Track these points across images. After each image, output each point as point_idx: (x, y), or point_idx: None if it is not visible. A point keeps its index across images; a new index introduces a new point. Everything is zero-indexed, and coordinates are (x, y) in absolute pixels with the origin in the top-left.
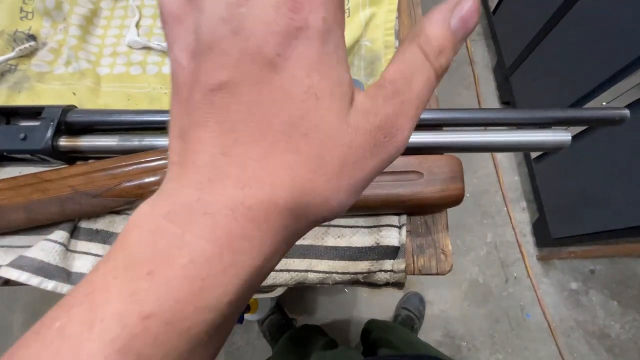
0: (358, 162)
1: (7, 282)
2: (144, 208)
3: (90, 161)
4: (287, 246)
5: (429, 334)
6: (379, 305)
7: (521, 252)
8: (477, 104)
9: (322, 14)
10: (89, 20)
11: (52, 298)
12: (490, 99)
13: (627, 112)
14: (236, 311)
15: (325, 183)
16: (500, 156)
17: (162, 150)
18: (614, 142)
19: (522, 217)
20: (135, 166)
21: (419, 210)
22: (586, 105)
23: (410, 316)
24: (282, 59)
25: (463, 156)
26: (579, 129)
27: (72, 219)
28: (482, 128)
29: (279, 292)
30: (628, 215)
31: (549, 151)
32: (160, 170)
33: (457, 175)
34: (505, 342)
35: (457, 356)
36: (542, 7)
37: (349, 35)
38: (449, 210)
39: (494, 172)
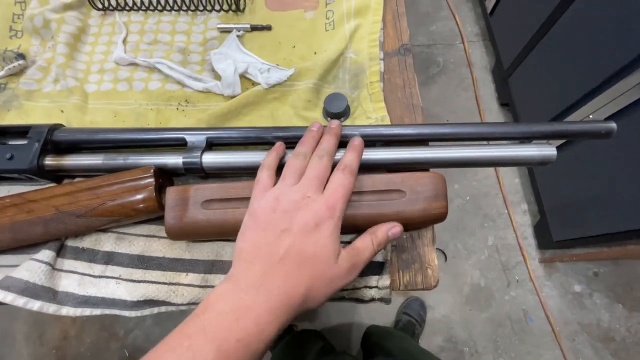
0: (338, 281)
1: None
2: (227, 286)
3: (75, 180)
4: (292, 319)
5: (430, 339)
6: (379, 311)
7: (523, 255)
8: (475, 105)
9: (338, 213)
10: (77, 38)
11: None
12: (489, 100)
13: (613, 125)
14: (273, 341)
15: (320, 290)
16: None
17: (145, 169)
18: (613, 144)
19: (523, 219)
20: (118, 185)
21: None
22: (585, 106)
23: (411, 321)
24: (317, 233)
25: None
26: None
27: (58, 238)
28: (468, 143)
29: None
30: (631, 218)
31: (534, 166)
32: (143, 189)
33: (440, 193)
34: (509, 346)
35: None
36: (539, 8)
37: (334, 48)
38: (450, 213)
39: (494, 174)
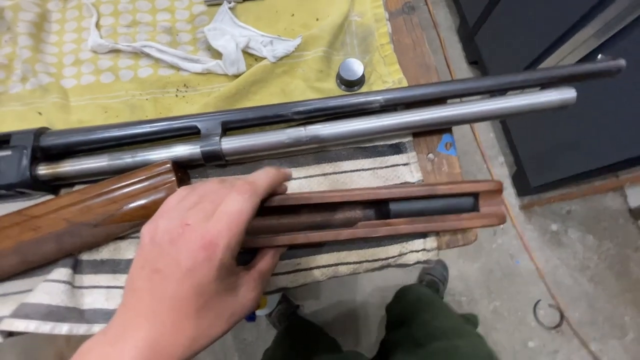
0: (242, 312)
1: (11, 334)
2: (97, 337)
3: (80, 187)
4: None
5: None
6: (379, 275)
7: (505, 204)
8: (445, 67)
9: (220, 253)
10: (39, 27)
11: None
12: (458, 60)
13: (622, 61)
14: None
15: (213, 329)
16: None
17: (161, 164)
18: (580, 88)
19: (501, 171)
20: (135, 186)
21: None
22: (549, 58)
23: (434, 280)
24: (192, 277)
25: None
26: None
27: (71, 254)
28: (488, 96)
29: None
30: (596, 157)
31: (556, 110)
32: (163, 185)
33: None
34: (500, 289)
35: (459, 311)
36: None
37: (337, 12)
38: None
39: (471, 132)
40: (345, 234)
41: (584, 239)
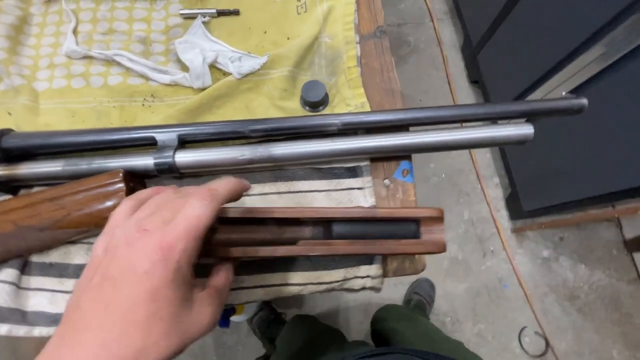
0: (198, 329)
1: None
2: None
3: (33, 190)
4: None
5: None
6: (367, 295)
7: (496, 226)
8: (446, 84)
9: (177, 255)
10: (19, 29)
11: None
12: (459, 79)
13: (584, 101)
14: None
15: (166, 347)
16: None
17: (113, 173)
18: (577, 117)
19: (495, 193)
20: (84, 193)
21: None
22: (550, 81)
23: (422, 301)
24: (147, 282)
25: None
26: None
27: (20, 255)
28: (448, 127)
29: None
30: (592, 185)
31: (513, 145)
32: (112, 195)
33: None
34: (486, 312)
35: (442, 330)
36: None
37: (307, 33)
38: (427, 191)
39: (467, 151)
40: (281, 250)
41: (575, 268)
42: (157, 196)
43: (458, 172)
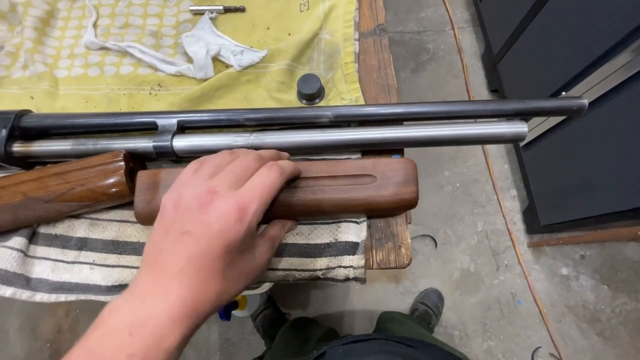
0: (257, 272)
1: None
2: (123, 297)
3: (47, 166)
4: (201, 323)
5: None
6: (371, 298)
7: (512, 239)
8: (465, 92)
9: (250, 216)
10: (45, 22)
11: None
12: (479, 87)
13: (585, 101)
14: (180, 348)
15: (235, 287)
16: (489, 145)
17: (115, 153)
18: (599, 127)
19: (512, 205)
20: (87, 170)
21: (374, 214)
22: (573, 89)
23: (427, 312)
24: (222, 238)
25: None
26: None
27: (29, 225)
28: (443, 122)
29: (264, 288)
30: (615, 200)
31: (507, 143)
32: (112, 173)
33: (410, 179)
34: (497, 329)
35: (449, 344)
36: None
37: (308, 29)
38: (440, 200)
39: (484, 161)
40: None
41: (597, 289)
42: (213, 159)
43: (473, 182)
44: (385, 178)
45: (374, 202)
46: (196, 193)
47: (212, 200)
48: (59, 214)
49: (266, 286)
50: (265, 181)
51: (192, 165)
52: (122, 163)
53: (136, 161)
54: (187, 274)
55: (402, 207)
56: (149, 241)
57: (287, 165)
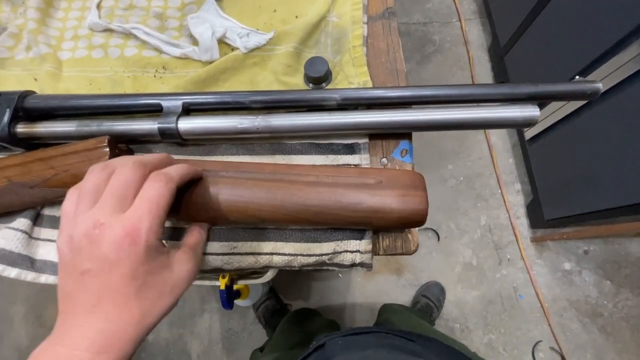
0: (182, 285)
1: None
2: (46, 343)
3: (42, 149)
4: (131, 350)
5: None
6: (373, 290)
7: (515, 234)
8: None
9: (144, 235)
10: (49, 3)
11: (50, 290)
12: (485, 79)
13: (599, 85)
14: None
15: (160, 306)
16: (494, 138)
17: (99, 139)
18: (605, 121)
19: (516, 199)
20: (72, 156)
21: (382, 225)
22: None
23: (429, 304)
24: (123, 266)
25: (456, 137)
26: (569, 108)
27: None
28: (453, 105)
29: (267, 277)
30: (620, 194)
31: (518, 127)
32: (97, 159)
33: (419, 185)
34: (498, 322)
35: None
36: None
37: (315, 12)
38: (444, 193)
39: (488, 154)
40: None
41: (600, 284)
42: (90, 181)
43: (477, 176)
44: (391, 182)
45: (382, 209)
46: (84, 231)
47: (100, 234)
48: (45, 200)
49: (269, 275)
50: (149, 195)
51: (70, 196)
52: (107, 149)
53: (121, 146)
54: (100, 308)
55: (412, 219)
56: (58, 287)
57: (175, 170)
